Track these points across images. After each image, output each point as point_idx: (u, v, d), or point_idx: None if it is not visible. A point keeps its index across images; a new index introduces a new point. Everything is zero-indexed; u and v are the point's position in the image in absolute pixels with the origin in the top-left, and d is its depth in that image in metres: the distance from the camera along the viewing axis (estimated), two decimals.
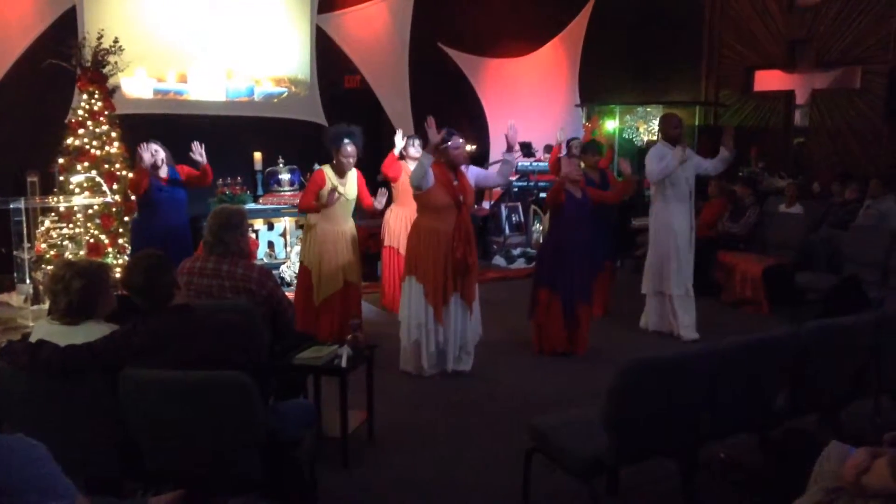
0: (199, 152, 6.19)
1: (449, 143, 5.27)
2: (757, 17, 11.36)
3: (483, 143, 11.44)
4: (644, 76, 12.44)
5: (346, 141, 5.80)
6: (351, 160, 5.85)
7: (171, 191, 6.27)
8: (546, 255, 6.07)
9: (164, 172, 6.23)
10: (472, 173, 5.52)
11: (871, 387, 3.98)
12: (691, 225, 6.43)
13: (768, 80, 11.63)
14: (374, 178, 7.13)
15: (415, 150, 6.86)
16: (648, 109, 12.10)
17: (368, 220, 7.81)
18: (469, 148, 5.70)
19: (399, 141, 7.02)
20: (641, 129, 11.90)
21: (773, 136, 11.18)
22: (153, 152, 6.13)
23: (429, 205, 5.31)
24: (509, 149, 5.54)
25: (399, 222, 7.04)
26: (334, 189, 5.83)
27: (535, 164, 10.74)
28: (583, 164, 6.76)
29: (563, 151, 7.77)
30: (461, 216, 5.29)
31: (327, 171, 5.89)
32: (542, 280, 5.97)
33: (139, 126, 6.53)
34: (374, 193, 6.13)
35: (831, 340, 3.62)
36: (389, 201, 7.21)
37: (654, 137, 11.61)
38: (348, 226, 6.03)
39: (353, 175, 5.98)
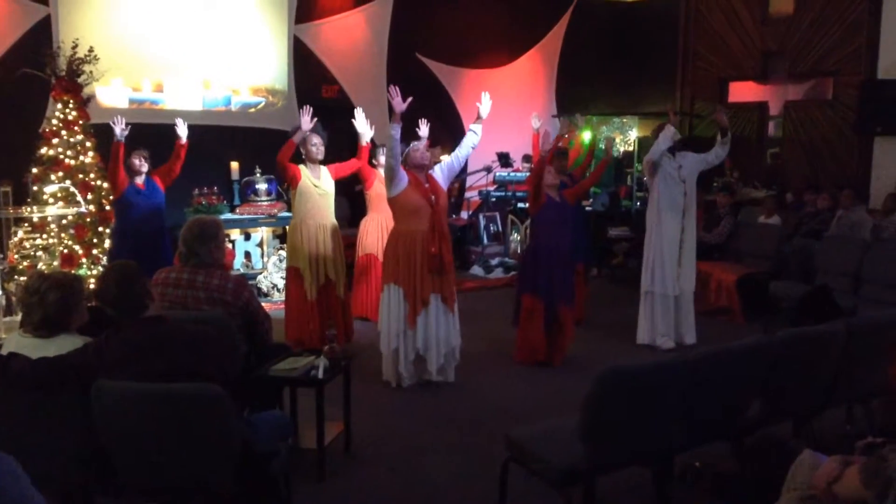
0: (182, 127, 6.34)
1: (409, 147, 5.38)
2: (731, 28, 11.49)
3: None
4: (619, 87, 12.52)
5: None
6: (317, 149, 6.12)
7: (149, 195, 6.35)
8: (528, 261, 6.12)
9: (141, 180, 6.31)
10: (441, 171, 5.53)
11: (843, 395, 4.03)
12: (683, 227, 6.47)
13: (742, 92, 11.77)
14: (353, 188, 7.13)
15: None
16: (624, 120, 12.20)
17: (346, 230, 7.79)
18: (445, 158, 5.70)
19: (360, 117, 6.52)
20: (617, 140, 11.98)
21: (747, 146, 11.29)
22: (142, 158, 6.43)
23: (403, 208, 5.35)
24: (478, 118, 5.50)
25: (376, 228, 7.18)
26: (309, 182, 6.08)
27: (513, 174, 10.77)
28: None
29: (547, 135, 7.76)
30: (435, 216, 5.32)
31: (303, 168, 6.13)
32: (525, 286, 6.01)
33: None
34: (355, 201, 6.18)
35: (803, 349, 3.66)
36: (365, 210, 7.23)
37: (630, 148, 11.72)
38: (329, 220, 6.26)
39: (325, 171, 6.24)
